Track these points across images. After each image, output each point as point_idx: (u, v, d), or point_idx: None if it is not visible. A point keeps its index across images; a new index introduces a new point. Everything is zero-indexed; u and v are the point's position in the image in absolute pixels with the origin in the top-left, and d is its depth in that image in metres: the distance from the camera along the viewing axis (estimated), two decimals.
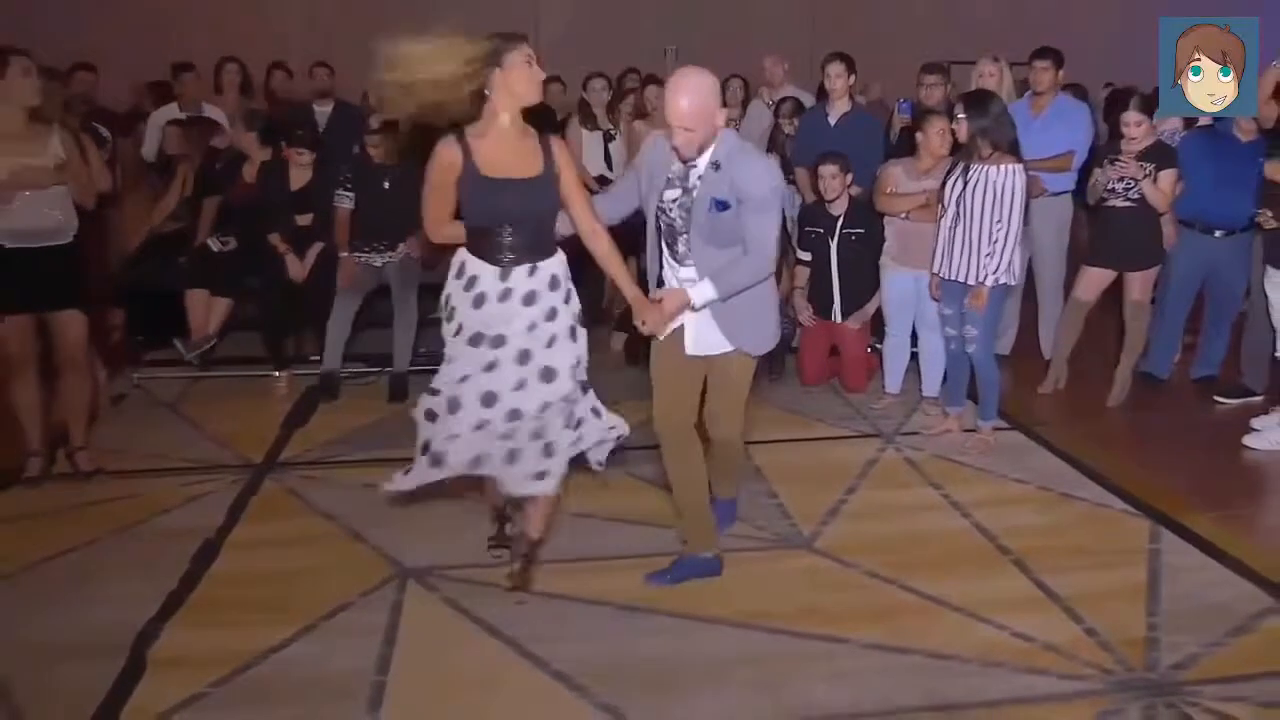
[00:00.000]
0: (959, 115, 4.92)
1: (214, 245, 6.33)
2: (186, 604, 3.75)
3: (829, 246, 6.01)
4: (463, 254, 3.60)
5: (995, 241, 4.86)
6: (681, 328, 3.76)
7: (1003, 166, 4.83)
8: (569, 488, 3.93)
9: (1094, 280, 5.84)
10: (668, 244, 3.76)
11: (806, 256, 6.14)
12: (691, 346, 3.78)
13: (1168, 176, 5.56)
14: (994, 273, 4.89)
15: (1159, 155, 5.59)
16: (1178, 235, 5.92)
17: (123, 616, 3.62)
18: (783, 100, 7.21)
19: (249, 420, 5.62)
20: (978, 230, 4.90)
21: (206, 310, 6.23)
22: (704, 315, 3.71)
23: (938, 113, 5.69)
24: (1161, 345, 6.20)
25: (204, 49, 8.37)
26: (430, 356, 6.45)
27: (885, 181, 5.58)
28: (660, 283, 3.83)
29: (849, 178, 5.93)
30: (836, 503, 4.59)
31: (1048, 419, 5.64)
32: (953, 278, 5.04)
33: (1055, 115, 6.23)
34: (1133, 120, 5.57)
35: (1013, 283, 5.05)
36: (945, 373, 5.50)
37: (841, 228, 5.96)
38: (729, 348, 3.75)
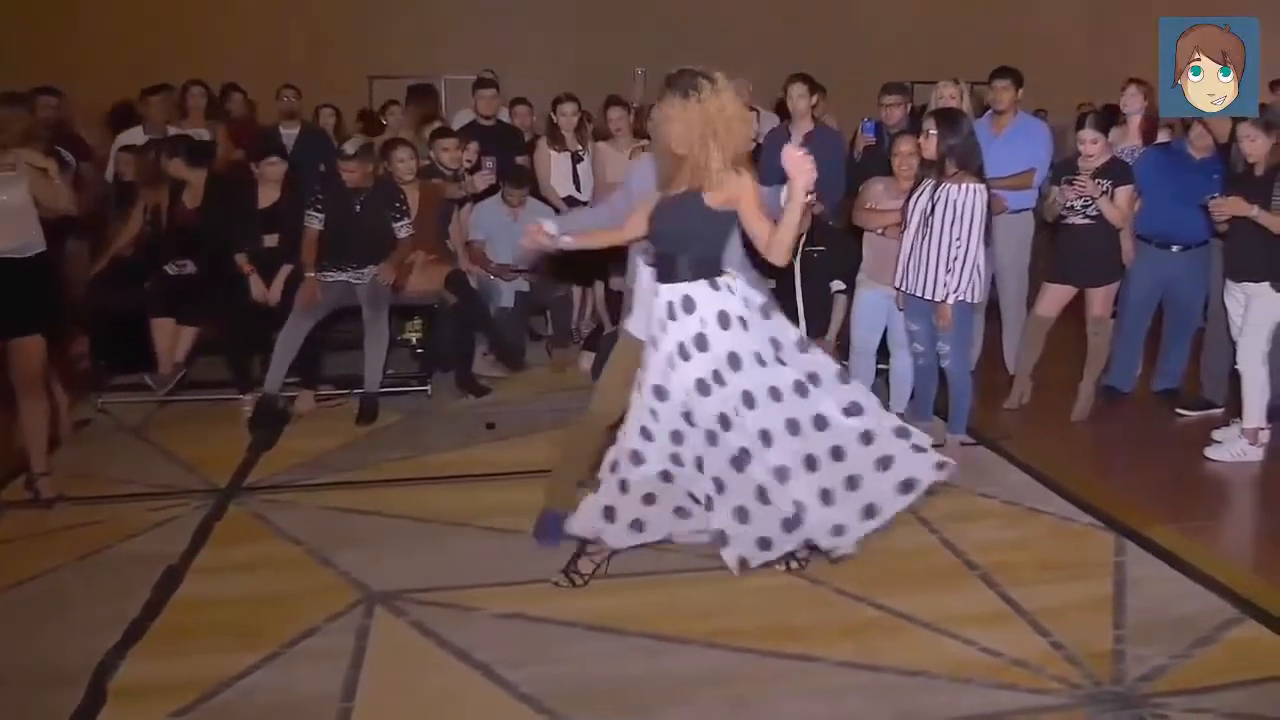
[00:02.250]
0: (930, 131, 4.91)
1: (170, 269, 6.24)
2: (149, 632, 3.65)
3: (792, 266, 5.99)
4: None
5: (954, 259, 4.86)
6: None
7: (965, 185, 4.83)
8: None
9: (1054, 296, 5.86)
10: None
11: (769, 284, 6.10)
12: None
13: (1124, 193, 5.59)
14: (954, 291, 4.89)
15: (1115, 172, 5.62)
16: (1136, 251, 5.94)
17: (84, 645, 3.52)
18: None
19: (215, 444, 5.53)
20: (938, 247, 4.89)
21: (173, 338, 6.13)
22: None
23: (906, 133, 5.69)
24: (1123, 359, 6.22)
25: (169, 72, 8.33)
26: (398, 378, 6.44)
27: (865, 197, 5.57)
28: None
29: (812, 197, 5.91)
30: None
31: (1013, 433, 5.63)
32: (915, 293, 5.03)
33: (1016, 133, 6.27)
34: (1088, 138, 5.61)
35: (974, 300, 5.04)
36: (914, 389, 5.49)
37: (804, 245, 5.95)
38: None
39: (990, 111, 6.44)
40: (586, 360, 6.82)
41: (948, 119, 5.01)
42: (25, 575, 4.08)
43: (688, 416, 3.63)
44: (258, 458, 5.36)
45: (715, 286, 3.63)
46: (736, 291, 3.66)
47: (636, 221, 3.82)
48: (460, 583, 3.96)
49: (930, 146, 4.91)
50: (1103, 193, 5.55)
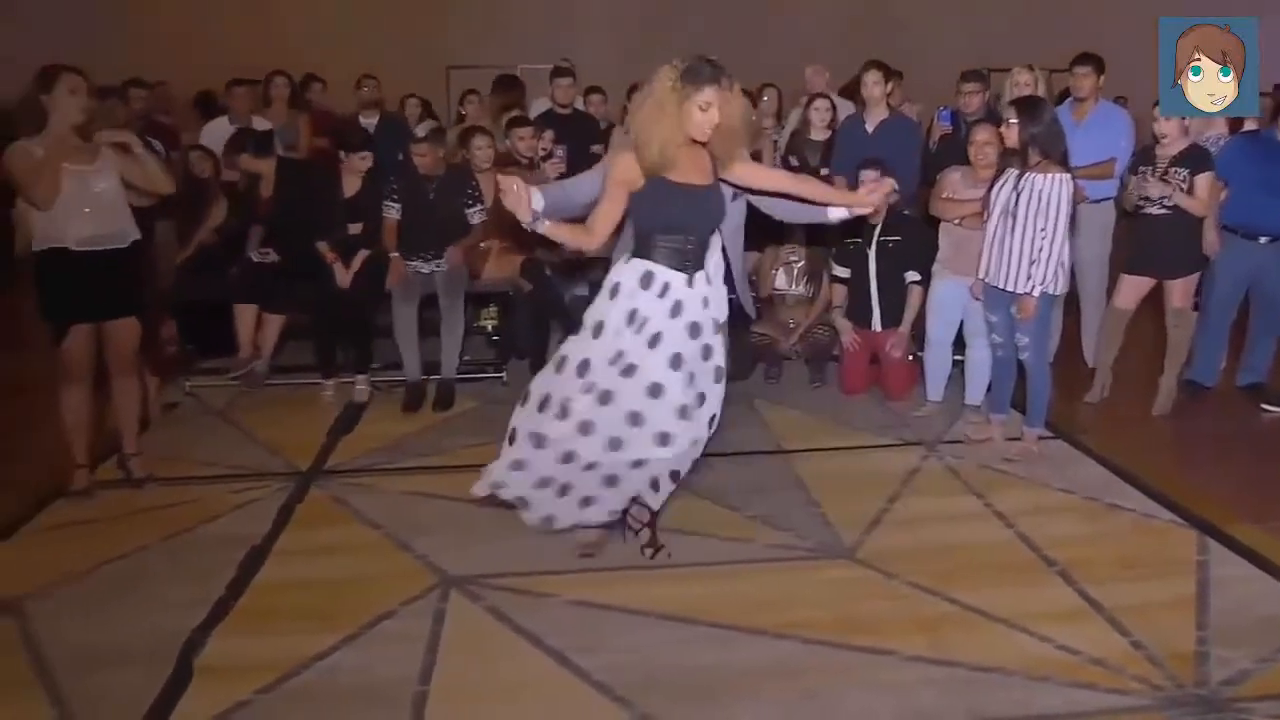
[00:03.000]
0: (1010, 120, 4.81)
1: (254, 256, 6.34)
2: (233, 611, 3.72)
3: (867, 256, 5.93)
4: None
5: (1040, 250, 4.75)
6: None
7: (1050, 175, 4.71)
8: None
9: (1133, 288, 5.72)
10: None
11: (844, 273, 6.06)
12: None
13: (1204, 180, 5.44)
14: (1040, 283, 4.78)
15: (1194, 159, 5.48)
16: (1222, 242, 5.77)
17: (171, 623, 3.60)
18: (811, 99, 7.12)
19: (296, 428, 5.61)
20: (1022, 239, 4.78)
21: (255, 325, 6.23)
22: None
23: (983, 121, 5.59)
24: (1207, 353, 6.04)
25: (251, 63, 8.47)
26: (474, 365, 6.48)
27: (943, 186, 5.48)
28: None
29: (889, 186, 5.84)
30: (879, 512, 4.49)
31: (1092, 428, 5.51)
32: (997, 285, 4.94)
33: (1097, 121, 6.12)
34: (1165, 124, 5.46)
35: (1058, 292, 4.93)
36: (992, 380, 5.39)
37: (879, 235, 5.88)
38: None
39: (1071, 99, 6.29)
40: None
41: (1029, 107, 4.88)
42: (114, 554, 4.17)
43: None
44: (337, 442, 5.43)
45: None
46: None
47: (605, 228, 3.82)
48: (533, 569, 3.97)
49: (1012, 135, 4.79)
50: (1179, 183, 5.42)
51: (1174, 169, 5.45)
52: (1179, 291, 5.68)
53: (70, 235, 4.48)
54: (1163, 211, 5.52)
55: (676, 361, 3.75)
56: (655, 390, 3.74)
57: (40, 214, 4.46)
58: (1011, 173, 4.86)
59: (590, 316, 3.83)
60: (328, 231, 6.15)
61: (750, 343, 6.31)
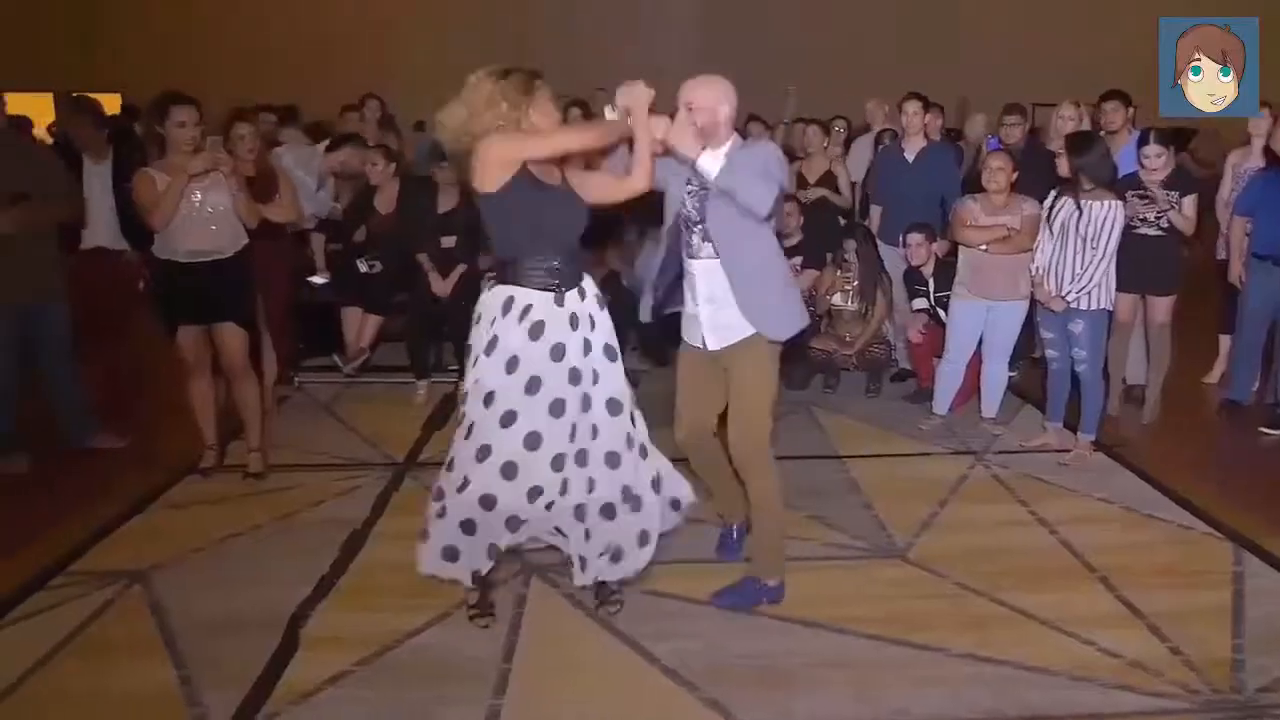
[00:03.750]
0: (1061, 152, 4.77)
1: (362, 266, 6.39)
2: (336, 588, 3.75)
3: (930, 301, 5.88)
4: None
5: (1088, 268, 4.75)
6: (701, 335, 3.56)
7: (1105, 202, 4.72)
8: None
9: (1125, 304, 5.53)
10: (685, 240, 3.52)
11: (921, 305, 5.97)
12: (713, 342, 3.52)
13: (1190, 202, 5.33)
14: (1098, 302, 4.82)
15: (1181, 184, 5.37)
16: (1251, 269, 5.62)
17: (280, 597, 3.64)
18: (882, 133, 7.09)
19: (392, 423, 5.64)
20: (1077, 258, 4.78)
21: (360, 325, 6.30)
22: (724, 301, 3.44)
23: (996, 153, 5.50)
24: (1241, 371, 5.88)
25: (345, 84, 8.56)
26: None
27: (964, 216, 5.37)
28: (661, 276, 3.67)
29: (935, 245, 5.86)
30: (929, 515, 4.41)
31: (1130, 441, 5.36)
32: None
33: (1129, 153, 5.96)
34: (1153, 153, 5.32)
35: (1109, 307, 4.90)
36: (1046, 392, 5.31)
37: (934, 291, 5.83)
38: (749, 331, 3.44)
39: (1103, 133, 6.14)
40: None
41: (1079, 140, 4.92)
42: (231, 531, 4.24)
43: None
44: (430, 436, 5.46)
45: None
46: None
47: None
48: None
49: (1064, 166, 4.79)
50: (1174, 203, 5.31)
51: (1166, 192, 5.32)
52: (1162, 308, 5.57)
53: (180, 248, 4.53)
54: (1157, 233, 5.38)
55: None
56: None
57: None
58: (1066, 198, 4.83)
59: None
60: (427, 244, 6.18)
61: (809, 356, 6.26)
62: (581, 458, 3.36)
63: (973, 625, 3.49)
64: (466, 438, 3.29)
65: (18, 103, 7.99)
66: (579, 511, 3.41)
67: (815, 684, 3.14)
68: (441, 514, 3.32)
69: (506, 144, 3.17)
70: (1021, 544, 4.15)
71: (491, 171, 3.17)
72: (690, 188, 3.45)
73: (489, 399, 3.24)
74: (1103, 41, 12.75)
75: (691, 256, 3.50)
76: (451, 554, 3.35)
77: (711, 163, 3.28)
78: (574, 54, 12.69)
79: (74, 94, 6.59)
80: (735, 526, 4.02)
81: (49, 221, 4.94)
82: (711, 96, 3.38)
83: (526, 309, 3.26)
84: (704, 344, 3.56)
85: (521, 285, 3.28)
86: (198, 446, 4.91)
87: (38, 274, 4.87)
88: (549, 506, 3.36)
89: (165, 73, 8.91)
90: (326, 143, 6.90)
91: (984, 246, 5.25)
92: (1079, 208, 4.78)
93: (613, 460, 3.42)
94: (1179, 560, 4.02)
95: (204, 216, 4.53)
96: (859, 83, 9.44)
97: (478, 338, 3.31)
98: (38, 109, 9.92)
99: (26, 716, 3.01)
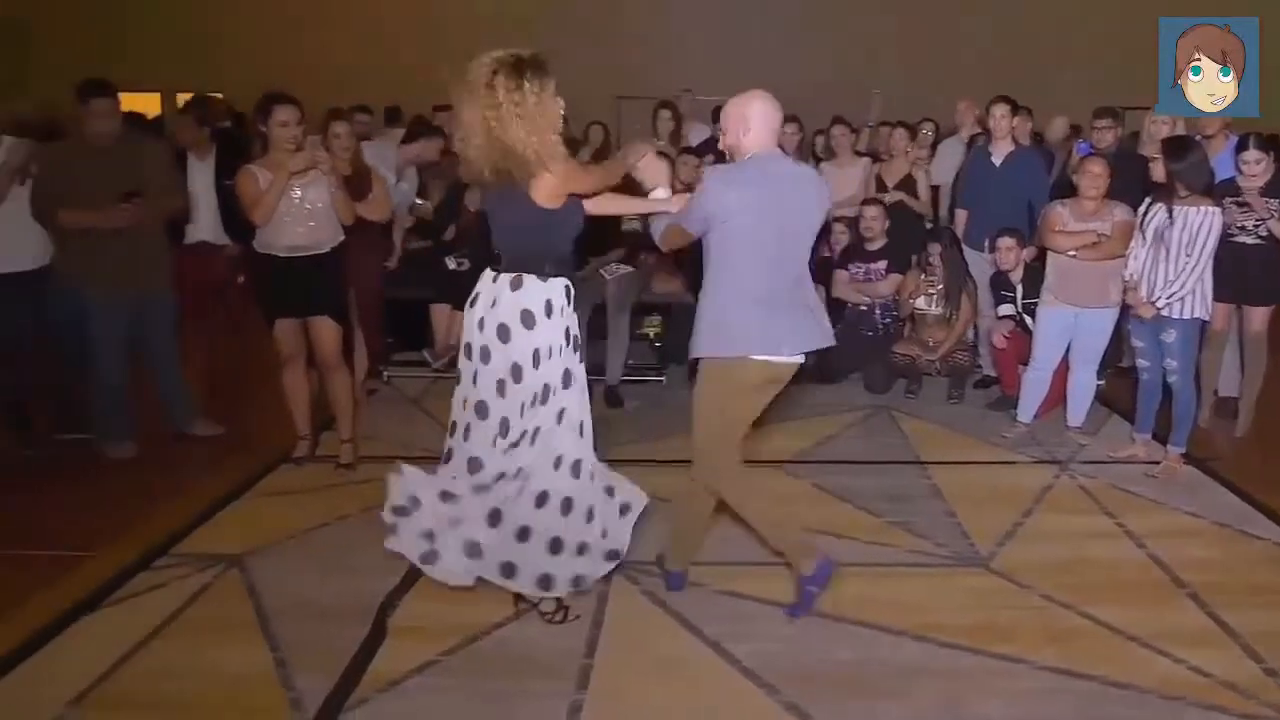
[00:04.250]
0: (1156, 157, 4.66)
1: (451, 264, 6.46)
2: (422, 579, 3.78)
3: (1017, 307, 5.76)
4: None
5: (1181, 275, 4.62)
6: None
7: (1201, 209, 4.59)
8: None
9: (1219, 314, 5.36)
10: None
11: (1008, 311, 5.86)
12: None
13: None
14: (1193, 310, 4.69)
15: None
16: None
17: (369, 586, 3.71)
18: (974, 137, 6.98)
19: None
20: (1167, 266, 4.66)
21: (448, 322, 6.38)
22: None
23: (1093, 157, 5.37)
24: None
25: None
26: (638, 368, 6.50)
27: (1053, 221, 5.25)
28: None
29: (1025, 252, 5.74)
30: (1013, 525, 4.32)
31: (1222, 454, 5.20)
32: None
33: (1228, 157, 5.77)
34: (1252, 159, 5.13)
35: (1204, 317, 4.76)
36: (1136, 402, 5.16)
37: (1022, 298, 5.71)
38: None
39: (1199, 138, 5.95)
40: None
41: (1175, 145, 4.78)
42: (321, 520, 4.33)
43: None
44: None
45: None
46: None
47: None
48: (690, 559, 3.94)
49: (1159, 171, 4.65)
50: (1274, 210, 5.12)
51: (1266, 200, 5.13)
52: (1259, 318, 5.40)
53: (279, 243, 4.64)
54: (1255, 241, 5.21)
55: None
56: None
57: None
58: (1160, 205, 4.70)
59: (520, 349, 3.41)
60: None
61: (891, 361, 6.20)
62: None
63: (1057, 638, 3.41)
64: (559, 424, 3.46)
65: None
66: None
67: (896, 692, 3.10)
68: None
69: (566, 180, 3.34)
70: (1108, 557, 4.05)
71: (554, 196, 3.35)
72: None
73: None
74: None
75: None
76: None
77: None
78: (664, 55, 12.74)
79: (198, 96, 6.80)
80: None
81: (159, 216, 5.10)
82: (735, 114, 3.43)
83: (562, 304, 3.47)
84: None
85: (558, 277, 3.46)
86: (292, 437, 5.03)
87: (147, 265, 5.03)
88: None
89: (264, 73, 9.17)
90: (401, 134, 7.00)
91: (1072, 252, 5.13)
92: (1172, 215, 4.66)
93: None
94: (1273, 578, 3.89)
95: (303, 213, 4.63)
96: (948, 85, 9.31)
97: (554, 327, 3.44)
98: (144, 108, 10.23)
99: (132, 692, 3.11)
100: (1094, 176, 5.11)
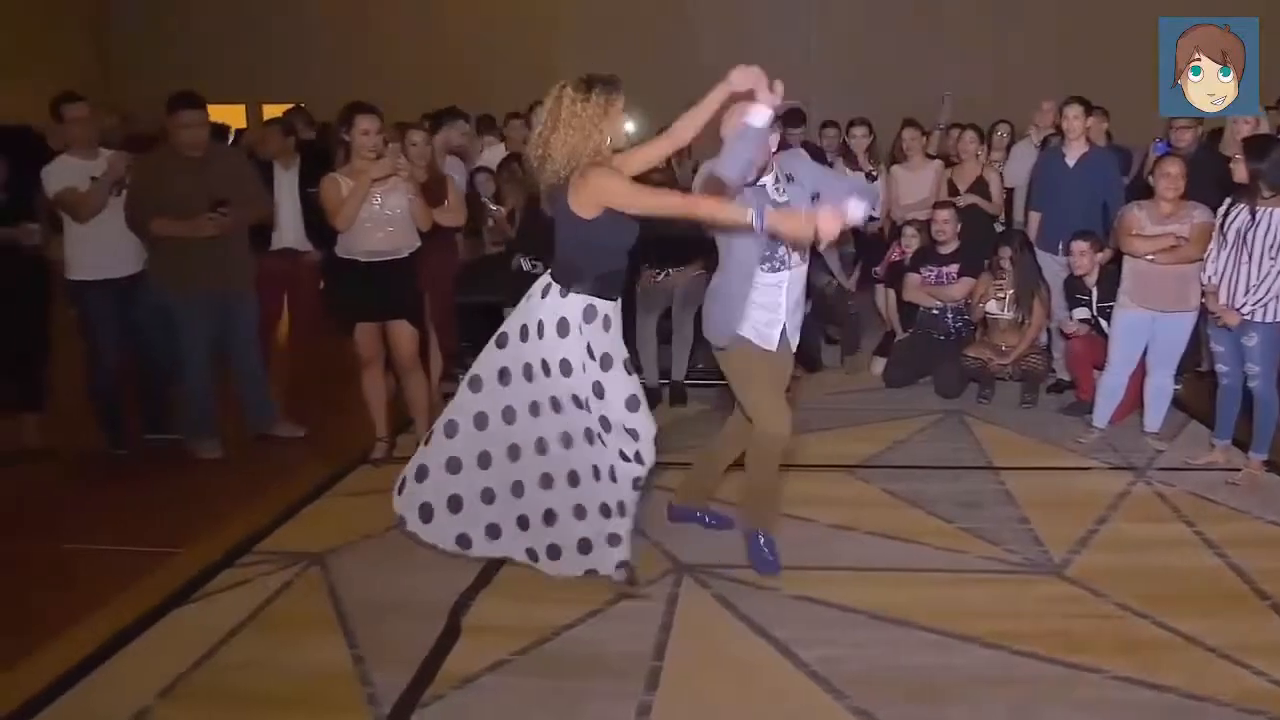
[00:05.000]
0: (1237, 157, 4.52)
1: (525, 265, 6.50)
2: (494, 580, 3.85)
3: (1092, 311, 5.63)
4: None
5: (1265, 278, 4.47)
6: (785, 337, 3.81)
7: None
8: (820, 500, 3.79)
9: None
10: (773, 255, 3.66)
11: (1083, 315, 5.72)
12: (795, 340, 3.88)
13: None
14: (1273, 316, 4.52)
15: None
16: None
17: (443, 585, 3.76)
18: (1047, 139, 6.86)
19: None
20: (1252, 268, 4.51)
21: None
22: (801, 303, 3.84)
23: (1170, 157, 5.21)
24: None
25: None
26: (705, 372, 6.47)
27: (1129, 224, 5.10)
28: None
29: (1100, 255, 5.61)
30: (1087, 532, 4.22)
31: None
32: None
33: None
34: None
35: None
36: (1216, 407, 4.98)
37: (1097, 301, 5.58)
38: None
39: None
40: (878, 365, 6.66)
41: (1256, 145, 4.60)
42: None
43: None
44: None
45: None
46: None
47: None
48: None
49: (1241, 172, 4.51)
50: None
51: None
52: None
53: (360, 248, 4.73)
54: None
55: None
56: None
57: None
58: (1242, 205, 4.55)
59: (543, 355, 3.54)
60: None
61: (963, 364, 6.10)
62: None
63: (1133, 648, 3.33)
64: (609, 431, 3.56)
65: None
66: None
67: (968, 699, 3.05)
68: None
69: (601, 190, 3.35)
70: (1186, 565, 3.94)
71: (587, 206, 3.38)
72: (771, 206, 3.51)
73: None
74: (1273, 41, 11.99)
75: (785, 268, 3.70)
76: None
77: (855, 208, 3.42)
78: (739, 54, 12.67)
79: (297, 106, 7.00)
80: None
81: (245, 223, 5.23)
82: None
83: (606, 318, 3.53)
84: (788, 344, 3.84)
85: (597, 295, 3.50)
86: (370, 438, 5.12)
87: (232, 269, 5.16)
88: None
89: (342, 83, 9.35)
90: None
91: (1150, 257, 5.00)
92: (1255, 216, 4.51)
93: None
94: None
95: (383, 219, 4.72)
96: (1023, 87, 9.15)
97: (569, 348, 3.50)
98: (230, 120, 10.49)
99: (216, 686, 3.19)
100: (1171, 178, 4.97)
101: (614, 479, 3.57)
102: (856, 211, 3.38)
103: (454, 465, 3.71)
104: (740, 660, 3.29)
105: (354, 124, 4.66)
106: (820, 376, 6.67)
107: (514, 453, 3.66)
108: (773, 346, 3.77)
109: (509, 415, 3.64)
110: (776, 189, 3.64)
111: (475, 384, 3.68)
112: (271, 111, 9.28)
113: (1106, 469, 4.99)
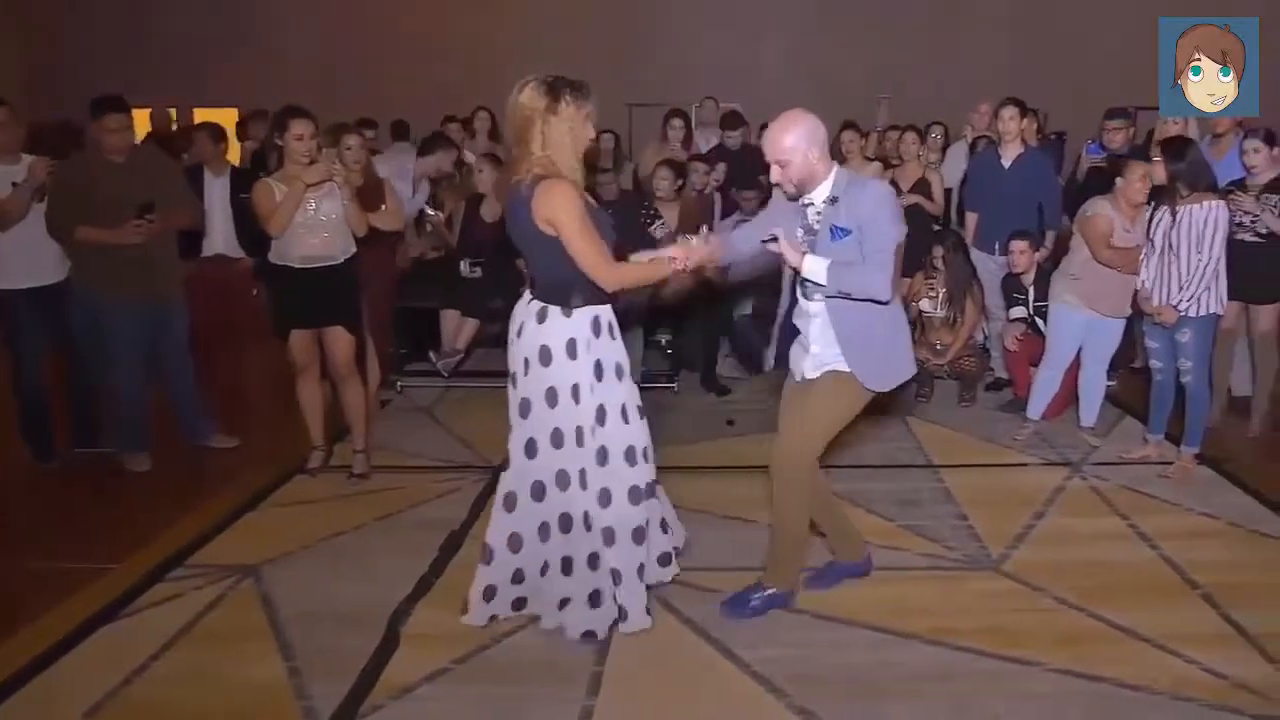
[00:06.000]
0: (1155, 159, 4.63)
1: (464, 270, 6.47)
2: (435, 587, 3.81)
3: (1029, 310, 5.73)
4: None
5: (1195, 273, 4.58)
6: (802, 370, 3.51)
7: (1205, 203, 4.55)
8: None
9: (1228, 312, 5.27)
10: (800, 283, 3.43)
11: (1020, 313, 5.83)
12: (811, 372, 3.46)
13: None
14: (1206, 307, 4.65)
15: None
16: None
17: (381, 594, 3.71)
18: (976, 140, 6.98)
19: (489, 426, 5.61)
20: (1183, 265, 4.62)
21: (457, 327, 6.39)
22: (828, 337, 3.38)
23: (1135, 158, 5.32)
24: None
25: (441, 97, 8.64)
26: (649, 375, 6.48)
27: (1104, 229, 5.05)
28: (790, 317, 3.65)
29: (1038, 254, 5.75)
30: (1024, 528, 4.30)
31: (1238, 455, 5.15)
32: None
33: (1236, 155, 5.74)
34: (1250, 148, 5.12)
35: (1219, 311, 4.70)
36: (1150, 403, 5.10)
37: (1034, 300, 5.68)
38: (841, 366, 3.38)
39: (1210, 135, 5.92)
40: None
41: (1173, 147, 4.73)
42: (335, 530, 4.34)
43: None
44: None
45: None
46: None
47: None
48: (700, 565, 3.93)
49: (1159, 173, 4.66)
50: (1269, 208, 5.08)
51: (1264, 195, 5.11)
52: (1266, 316, 5.36)
53: (295, 254, 4.67)
54: (1255, 239, 5.17)
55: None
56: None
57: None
58: (1164, 207, 4.67)
59: (552, 383, 3.30)
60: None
61: None
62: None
63: (1070, 640, 3.39)
64: (604, 464, 3.35)
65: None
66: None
67: (908, 695, 3.08)
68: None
69: (559, 209, 3.15)
70: (1121, 558, 4.02)
71: (547, 224, 3.19)
72: (801, 229, 3.39)
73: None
74: None
75: (807, 298, 3.43)
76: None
77: (817, 267, 3.24)
78: (676, 63, 12.73)
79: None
80: (841, 564, 3.82)
81: (173, 229, 5.13)
82: (796, 144, 3.25)
83: (610, 325, 3.37)
84: (803, 377, 3.52)
85: (599, 303, 3.33)
86: (306, 447, 5.05)
87: (161, 277, 5.06)
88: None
89: (274, 87, 9.22)
90: (418, 146, 7.03)
91: (1142, 284, 4.98)
92: (1176, 215, 4.61)
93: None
94: None
95: (318, 224, 4.66)
96: (954, 89, 9.30)
97: (579, 371, 3.30)
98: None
99: (147, 701, 3.12)
100: (1140, 181, 5.00)
101: (587, 527, 3.38)
102: (809, 266, 3.26)
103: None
104: (682, 663, 3.29)
105: (287, 128, 4.60)
106: (763, 378, 6.71)
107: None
108: (796, 375, 3.58)
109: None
110: (817, 216, 3.34)
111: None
112: (203, 116, 9.11)
113: (1043, 465, 5.09)
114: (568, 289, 3.28)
